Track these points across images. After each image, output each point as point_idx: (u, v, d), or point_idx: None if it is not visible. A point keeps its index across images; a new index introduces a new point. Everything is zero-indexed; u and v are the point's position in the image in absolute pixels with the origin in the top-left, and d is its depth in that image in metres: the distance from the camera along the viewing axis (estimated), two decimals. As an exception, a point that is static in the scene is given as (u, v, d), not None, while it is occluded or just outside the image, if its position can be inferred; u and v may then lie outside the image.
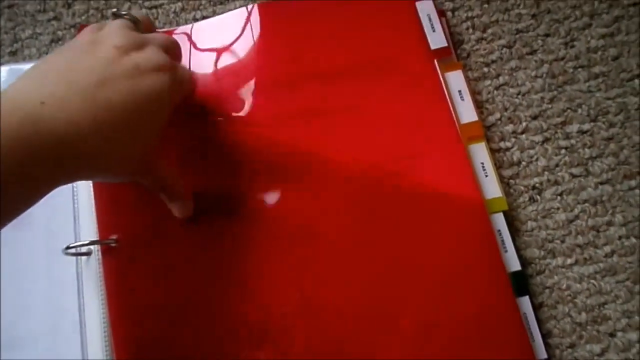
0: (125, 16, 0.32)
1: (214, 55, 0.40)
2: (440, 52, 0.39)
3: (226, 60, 0.40)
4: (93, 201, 0.36)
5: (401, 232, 0.35)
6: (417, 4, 0.40)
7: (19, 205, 0.25)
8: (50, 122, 0.24)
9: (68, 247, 0.34)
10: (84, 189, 0.37)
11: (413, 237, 0.35)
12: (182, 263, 0.35)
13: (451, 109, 0.38)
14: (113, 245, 0.35)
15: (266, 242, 0.35)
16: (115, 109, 0.27)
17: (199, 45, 0.40)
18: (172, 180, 0.33)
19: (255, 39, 0.40)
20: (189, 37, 0.41)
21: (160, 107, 0.30)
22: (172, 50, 0.33)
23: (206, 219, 0.36)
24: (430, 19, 0.40)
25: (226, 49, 0.40)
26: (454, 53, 0.40)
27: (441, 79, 0.38)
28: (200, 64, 0.40)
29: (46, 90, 0.26)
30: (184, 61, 0.39)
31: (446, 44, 0.39)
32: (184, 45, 0.39)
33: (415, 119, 0.38)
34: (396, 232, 0.35)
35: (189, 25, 0.41)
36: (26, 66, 0.39)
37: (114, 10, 0.33)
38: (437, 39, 0.39)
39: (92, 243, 0.35)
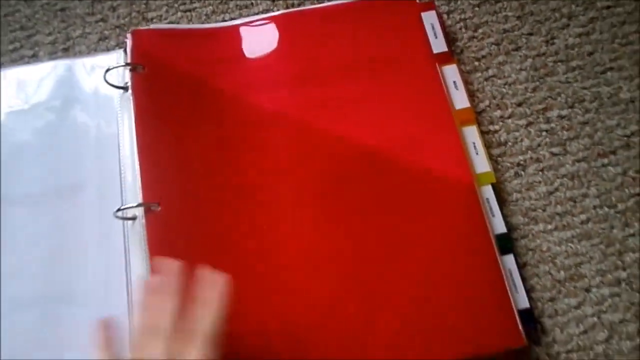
0: None
1: (246, 53, 0.46)
2: (441, 56, 0.45)
3: (254, 59, 0.46)
4: (138, 168, 0.40)
5: (399, 205, 0.40)
6: (423, 14, 0.46)
7: None
8: None
9: (118, 210, 0.40)
10: (129, 157, 0.41)
11: (410, 209, 0.40)
12: (222, 228, 0.39)
13: (447, 98, 0.43)
14: (156, 209, 0.39)
15: (292, 212, 0.40)
16: None
17: (232, 44, 0.46)
18: None
19: (278, 43, 0.46)
20: (231, 35, 0.47)
21: None
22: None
23: (243, 189, 0.41)
24: (433, 27, 0.46)
25: (254, 51, 0.46)
26: (450, 50, 0.46)
27: (439, 72, 0.44)
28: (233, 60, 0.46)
29: None
30: (230, 57, 0.45)
31: (447, 49, 0.45)
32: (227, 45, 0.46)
33: (416, 108, 0.43)
34: (394, 205, 0.40)
35: (232, 24, 0.47)
36: (75, 61, 0.46)
37: None
38: (439, 44, 0.46)
39: (138, 205, 0.39)
